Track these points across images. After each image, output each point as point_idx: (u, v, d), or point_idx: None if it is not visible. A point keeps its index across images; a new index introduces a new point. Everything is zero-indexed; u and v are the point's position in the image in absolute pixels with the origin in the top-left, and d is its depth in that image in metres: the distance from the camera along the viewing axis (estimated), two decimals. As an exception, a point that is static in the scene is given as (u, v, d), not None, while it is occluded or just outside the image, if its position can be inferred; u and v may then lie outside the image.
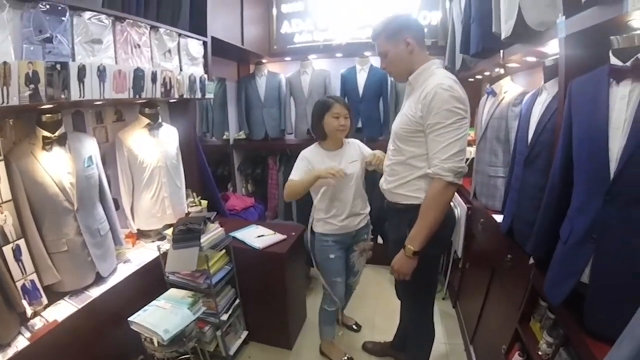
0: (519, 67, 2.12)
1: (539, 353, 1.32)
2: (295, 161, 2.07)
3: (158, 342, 1.69)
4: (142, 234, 2.34)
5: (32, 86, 1.39)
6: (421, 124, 1.46)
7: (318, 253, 2.09)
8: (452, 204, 2.00)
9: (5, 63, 1.29)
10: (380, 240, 3.40)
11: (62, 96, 1.52)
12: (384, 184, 1.73)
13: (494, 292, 1.98)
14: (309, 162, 2.00)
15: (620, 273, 0.95)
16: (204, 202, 2.64)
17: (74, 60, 1.60)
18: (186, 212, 2.49)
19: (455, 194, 2.15)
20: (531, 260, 1.47)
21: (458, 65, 2.71)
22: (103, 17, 1.72)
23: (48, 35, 1.49)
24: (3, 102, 1.31)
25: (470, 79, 2.93)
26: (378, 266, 3.38)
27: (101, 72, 1.68)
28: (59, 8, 1.52)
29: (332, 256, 2.07)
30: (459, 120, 1.39)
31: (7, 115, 1.62)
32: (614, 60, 1.02)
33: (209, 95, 2.55)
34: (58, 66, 1.48)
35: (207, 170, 2.84)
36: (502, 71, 2.10)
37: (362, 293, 3.03)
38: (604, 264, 1.00)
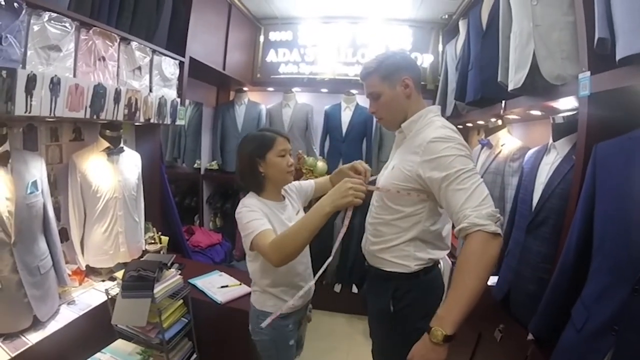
0: (519, 119, 2.04)
1: None
2: None
3: None
4: (91, 271, 2.05)
5: None
6: (418, 180, 1.23)
7: (272, 340, 1.53)
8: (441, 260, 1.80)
9: None
10: (355, 289, 3.19)
11: (4, 109, 1.28)
12: (366, 244, 1.47)
13: (481, 358, 1.80)
14: (264, 213, 1.40)
15: None
16: (165, 239, 2.36)
17: (24, 67, 1.37)
18: (143, 249, 2.22)
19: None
20: (530, 336, 1.32)
21: (449, 111, 2.64)
22: (65, 19, 1.50)
23: None
24: None
25: (459, 126, 2.86)
26: (351, 315, 3.18)
27: (54, 84, 1.44)
28: (15, 4, 1.30)
29: (291, 343, 1.58)
30: (474, 167, 1.17)
31: None
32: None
33: (180, 122, 2.33)
34: (4, 73, 1.26)
35: (172, 203, 2.58)
36: (499, 122, 2.00)
37: (334, 345, 2.81)
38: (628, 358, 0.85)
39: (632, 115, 0.96)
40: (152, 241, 2.30)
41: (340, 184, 1.24)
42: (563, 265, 1.12)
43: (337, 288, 3.21)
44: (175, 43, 2.27)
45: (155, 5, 2.09)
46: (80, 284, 1.94)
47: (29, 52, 1.39)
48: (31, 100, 1.36)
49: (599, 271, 0.98)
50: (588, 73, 1.11)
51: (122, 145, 2.03)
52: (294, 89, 3.48)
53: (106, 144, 1.95)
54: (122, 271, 1.75)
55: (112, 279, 2.00)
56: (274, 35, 3.57)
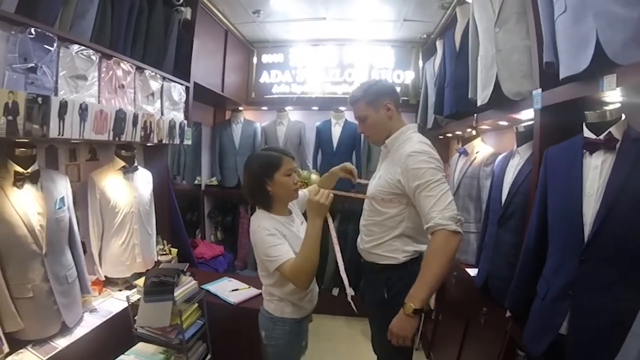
0: (490, 129, 2.31)
1: None
2: None
3: None
4: (108, 281, 2.18)
5: (9, 117, 1.32)
6: (399, 187, 1.48)
7: (287, 343, 1.69)
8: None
9: None
10: (352, 292, 3.37)
11: (41, 132, 1.44)
12: (361, 243, 1.71)
13: (470, 342, 2.02)
14: (279, 232, 1.52)
15: (596, 325, 1.03)
16: (174, 251, 2.53)
17: (56, 94, 1.54)
18: (155, 260, 2.37)
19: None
20: (508, 314, 1.53)
21: (430, 123, 2.90)
22: (91, 52, 1.70)
23: (33, 64, 1.44)
24: None
25: (440, 137, 3.13)
26: (350, 318, 3.34)
27: (83, 110, 1.62)
28: (48, 36, 1.48)
29: (304, 342, 1.77)
30: (442, 176, 1.43)
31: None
32: (587, 133, 1.14)
33: (187, 142, 2.53)
34: (40, 99, 1.42)
35: (179, 217, 2.75)
36: (473, 132, 2.27)
37: (335, 347, 2.96)
38: (581, 318, 1.08)
39: (575, 123, 1.20)
40: (164, 252, 2.46)
41: (309, 204, 1.51)
42: (526, 249, 1.35)
43: (335, 292, 3.39)
44: (181, 69, 2.49)
45: (164, 36, 2.31)
46: (99, 293, 2.07)
47: (59, 81, 1.57)
48: (63, 124, 1.54)
49: (554, 250, 1.21)
50: (540, 90, 1.37)
51: (136, 164, 2.20)
52: (286, 108, 3.71)
53: (122, 163, 2.11)
54: (143, 279, 1.90)
55: (129, 288, 2.14)
56: (266, 58, 3.83)
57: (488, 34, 1.69)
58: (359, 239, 1.71)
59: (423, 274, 1.35)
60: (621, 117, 1.11)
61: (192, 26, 2.57)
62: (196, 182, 3.69)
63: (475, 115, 2.05)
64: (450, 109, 2.23)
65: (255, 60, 3.85)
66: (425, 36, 3.40)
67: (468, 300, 2.02)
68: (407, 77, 3.65)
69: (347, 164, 1.77)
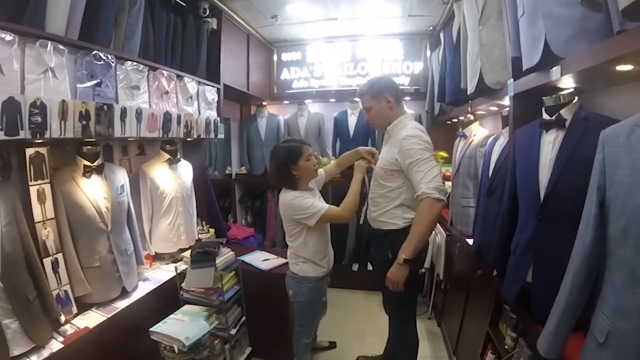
0: (486, 114, 2.55)
1: (506, 347, 1.61)
2: None
3: (178, 349, 1.89)
4: (157, 257, 2.56)
5: (84, 122, 1.66)
6: (397, 165, 1.81)
7: (311, 299, 2.07)
8: (433, 232, 2.31)
9: (63, 101, 1.56)
10: (370, 267, 3.68)
11: (107, 133, 1.81)
12: (369, 213, 2.06)
13: (470, 305, 2.27)
14: (309, 197, 1.94)
15: (552, 271, 1.26)
16: (212, 230, 2.92)
17: (117, 102, 1.90)
18: (197, 238, 2.74)
19: (437, 224, 2.47)
20: (495, 273, 1.79)
21: (437, 110, 3.15)
22: (141, 66, 2.06)
23: (98, 80, 1.80)
24: (61, 134, 1.57)
25: (447, 122, 3.37)
26: (368, 291, 3.63)
27: (138, 114, 2.00)
28: (107, 56, 1.84)
29: (324, 299, 2.17)
30: (430, 155, 1.76)
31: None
32: (544, 115, 1.40)
33: (220, 136, 2.90)
34: (105, 107, 1.77)
35: (215, 202, 3.14)
36: (472, 117, 2.51)
37: (354, 316, 3.28)
38: (541, 267, 1.34)
39: (538, 108, 1.45)
40: (203, 231, 2.85)
41: (357, 166, 2.04)
42: (502, 214, 1.62)
43: (355, 267, 3.71)
44: (212, 73, 2.86)
45: (196, 46, 2.67)
46: (150, 266, 2.43)
47: (118, 92, 1.94)
48: (124, 126, 1.91)
49: (521, 213, 1.47)
50: (512, 80, 1.62)
51: (178, 156, 2.56)
52: (306, 101, 4.04)
53: (167, 156, 2.47)
54: (189, 251, 2.26)
55: (175, 261, 2.48)
56: (285, 56, 4.16)
57: (474, 32, 1.94)
58: (367, 211, 2.06)
59: (412, 232, 1.72)
60: (573, 100, 1.35)
61: (218, 35, 2.93)
62: (227, 171, 4.08)
63: (470, 102, 2.30)
64: (450, 97, 2.49)
65: (275, 58, 4.19)
66: (431, 28, 3.61)
67: (467, 266, 2.29)
68: (416, 67, 3.89)
69: (373, 149, 2.13)
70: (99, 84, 1.81)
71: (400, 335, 2.17)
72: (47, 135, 1.52)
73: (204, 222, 2.91)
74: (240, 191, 4.20)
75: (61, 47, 1.62)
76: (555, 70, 1.27)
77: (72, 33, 1.71)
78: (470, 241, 2.28)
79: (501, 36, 1.80)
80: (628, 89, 1.30)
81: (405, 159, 1.75)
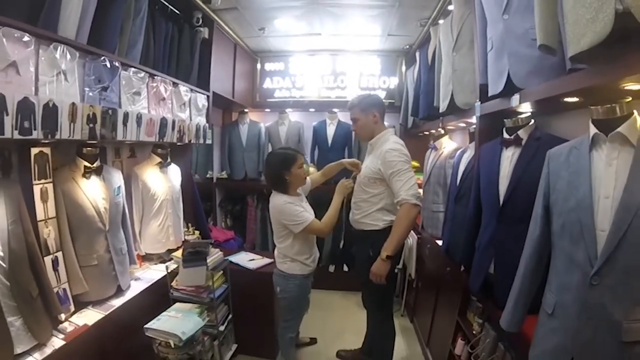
0: (455, 129, 2.85)
1: (474, 332, 1.86)
2: None
3: (174, 345, 1.97)
4: (144, 257, 2.62)
5: (90, 125, 1.73)
6: (380, 174, 2.06)
7: (297, 295, 2.28)
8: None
9: (73, 104, 1.62)
10: (345, 268, 3.90)
11: (111, 136, 1.89)
12: (352, 215, 2.30)
13: (440, 300, 2.53)
14: (298, 204, 2.15)
15: (510, 264, 1.47)
16: (197, 232, 3.02)
17: (120, 107, 1.98)
18: (183, 239, 2.83)
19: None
20: (462, 268, 2.05)
21: (410, 124, 3.43)
22: (142, 73, 2.16)
23: (105, 85, 1.88)
24: (70, 136, 1.62)
25: (419, 134, 3.67)
26: (345, 292, 3.84)
27: (139, 118, 2.09)
28: (114, 62, 1.91)
29: (309, 296, 2.41)
30: (409, 167, 2.03)
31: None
32: (505, 134, 1.67)
33: (208, 141, 3.03)
34: (110, 111, 1.85)
35: (200, 205, 3.25)
36: (442, 131, 2.80)
37: (334, 315, 3.48)
38: (501, 260, 1.60)
39: (500, 127, 1.71)
40: (189, 233, 2.96)
41: (341, 186, 2.21)
42: (469, 217, 1.88)
43: (331, 269, 3.92)
44: (202, 81, 2.99)
45: (190, 54, 2.80)
46: (140, 266, 2.49)
47: (122, 97, 2.02)
48: (126, 130, 2.00)
49: (484, 215, 1.73)
50: (479, 102, 1.89)
51: (169, 160, 2.67)
52: (287, 110, 4.22)
53: (158, 159, 2.56)
54: (180, 251, 2.36)
55: (162, 262, 2.58)
56: (269, 66, 4.35)
57: (447, 57, 2.22)
58: (350, 214, 2.30)
59: (392, 232, 1.98)
60: (529, 123, 1.62)
61: (209, 43, 3.06)
62: (208, 175, 4.17)
63: (441, 118, 2.59)
64: (423, 112, 2.77)
65: (259, 67, 4.36)
66: (407, 47, 3.93)
67: (438, 264, 2.55)
68: (392, 82, 4.19)
69: (356, 160, 2.40)
70: (105, 89, 1.88)
71: (378, 329, 2.38)
72: (57, 136, 1.57)
73: (189, 224, 3.01)
74: (220, 195, 4.30)
75: (73, 51, 1.67)
76: (515, 98, 1.54)
77: (82, 38, 1.77)
78: (439, 242, 2.55)
79: (471, 63, 2.07)
80: (574, 115, 1.59)
81: (387, 169, 2.01)
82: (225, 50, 3.55)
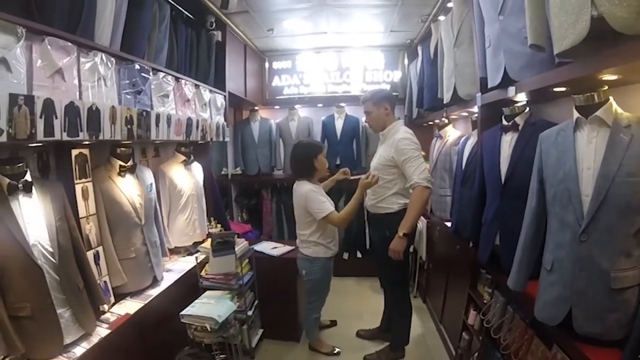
0: (458, 118, 3.02)
1: (485, 302, 2.03)
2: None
3: (210, 328, 2.11)
4: (172, 250, 2.76)
5: (128, 126, 1.85)
6: (393, 161, 2.27)
7: (322, 277, 2.55)
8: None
9: (113, 107, 1.73)
10: (359, 254, 4.10)
11: (146, 136, 2.02)
12: (368, 201, 2.50)
13: (451, 277, 2.72)
14: (321, 194, 2.46)
15: (513, 236, 1.63)
16: (219, 226, 3.22)
17: (152, 109, 2.11)
18: (207, 232, 3.00)
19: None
20: (471, 245, 2.23)
21: (415, 114, 3.61)
22: (170, 77, 2.33)
23: (140, 88, 2.03)
24: (111, 136, 1.73)
25: (424, 125, 3.84)
26: (358, 277, 4.07)
27: (168, 119, 2.25)
28: (146, 68, 2.07)
29: (332, 276, 2.66)
30: (420, 153, 2.24)
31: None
32: (504, 121, 1.85)
33: (227, 139, 3.22)
34: (144, 113, 1.98)
35: (220, 200, 3.44)
36: (446, 120, 2.98)
37: (350, 298, 3.68)
38: (505, 232, 1.79)
39: (499, 115, 1.89)
40: (212, 227, 3.15)
41: (362, 182, 2.30)
42: (474, 197, 2.06)
43: (345, 256, 4.11)
44: (219, 82, 3.17)
45: (207, 56, 2.98)
46: (169, 259, 2.64)
47: (153, 100, 2.18)
48: (158, 130, 2.14)
49: (488, 193, 1.92)
50: (479, 94, 2.07)
51: (192, 158, 2.84)
52: (296, 106, 4.40)
53: (182, 157, 2.72)
54: (208, 242, 2.51)
55: (190, 254, 2.73)
56: (276, 65, 4.53)
57: (449, 52, 2.40)
58: (366, 199, 2.50)
59: (407, 213, 2.19)
60: (525, 110, 1.80)
61: (223, 46, 3.24)
62: (223, 172, 4.35)
63: (445, 108, 2.77)
64: (427, 104, 2.95)
65: (267, 66, 4.54)
66: (409, 41, 4.09)
67: (447, 244, 2.74)
68: (395, 76, 4.37)
69: (342, 170, 2.66)
70: (139, 92, 2.03)
71: (396, 306, 2.59)
72: (100, 137, 1.68)
73: (212, 218, 3.21)
74: (235, 190, 4.49)
75: (110, 57, 1.81)
76: (512, 89, 1.72)
77: (115, 46, 1.91)
78: (448, 224, 2.74)
79: (471, 58, 2.24)
80: (563, 102, 1.77)
81: (400, 157, 2.21)
82: (237, 51, 3.73)
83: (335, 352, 2.79)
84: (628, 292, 1.13)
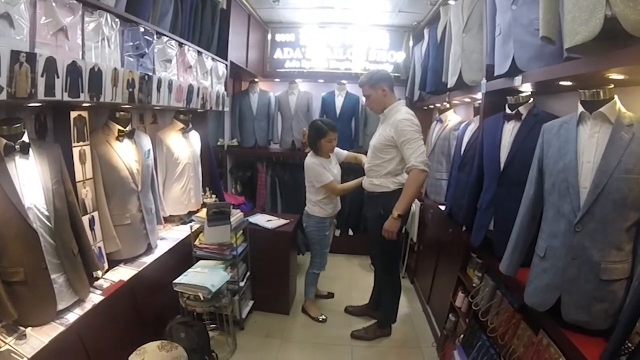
0: (459, 103, 3.03)
1: (474, 285, 2.09)
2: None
3: (203, 297, 2.14)
4: (167, 219, 2.76)
5: (130, 90, 1.81)
6: (392, 141, 2.28)
7: (317, 231, 2.81)
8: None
9: (115, 69, 1.69)
10: (350, 232, 4.17)
11: (147, 100, 1.97)
12: (365, 180, 2.52)
13: (441, 260, 2.80)
14: (323, 166, 2.72)
15: (507, 222, 1.68)
16: (214, 196, 3.22)
17: (154, 74, 2.07)
18: (202, 202, 3.02)
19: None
20: (464, 229, 2.29)
21: (416, 97, 3.60)
22: (173, 42, 2.28)
23: (143, 52, 1.97)
24: (112, 99, 1.70)
25: (424, 108, 3.84)
26: (350, 255, 4.16)
27: (170, 84, 2.21)
28: (150, 31, 2.02)
29: (327, 233, 2.82)
30: (419, 135, 2.24)
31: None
32: (507, 110, 1.86)
33: (227, 109, 3.19)
34: (146, 77, 1.94)
35: (216, 170, 3.44)
36: (447, 105, 2.99)
37: (340, 275, 3.76)
38: (499, 218, 1.83)
39: (503, 103, 1.91)
40: (206, 197, 3.16)
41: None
42: (472, 182, 2.10)
43: (337, 233, 4.16)
44: (221, 50, 3.11)
45: (211, 24, 2.91)
46: (163, 227, 2.64)
47: (155, 64, 2.12)
48: (159, 95, 2.10)
49: (485, 179, 1.95)
50: (485, 80, 2.07)
51: (191, 126, 2.80)
52: (296, 80, 4.34)
53: (180, 125, 2.70)
54: (204, 211, 2.51)
55: (183, 223, 2.76)
56: (279, 37, 4.43)
57: (457, 38, 2.38)
58: (364, 179, 2.52)
59: (403, 194, 2.23)
60: (528, 101, 1.81)
61: (227, 14, 3.16)
62: (219, 143, 4.32)
63: (448, 93, 2.76)
64: (431, 87, 2.94)
65: (270, 38, 4.44)
66: (415, 23, 4.03)
67: (440, 227, 2.80)
68: (399, 57, 4.31)
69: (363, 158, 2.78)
70: (142, 55, 1.97)
71: (386, 284, 2.66)
72: (102, 100, 1.63)
73: (207, 188, 3.21)
74: (231, 162, 4.46)
75: (114, 18, 1.76)
76: (518, 78, 1.72)
77: (120, 7, 1.85)
78: (442, 207, 2.79)
79: (479, 44, 2.23)
80: (567, 96, 1.79)
81: (399, 137, 2.22)
82: (240, 21, 3.63)
83: (320, 319, 2.96)
84: (616, 284, 1.18)
